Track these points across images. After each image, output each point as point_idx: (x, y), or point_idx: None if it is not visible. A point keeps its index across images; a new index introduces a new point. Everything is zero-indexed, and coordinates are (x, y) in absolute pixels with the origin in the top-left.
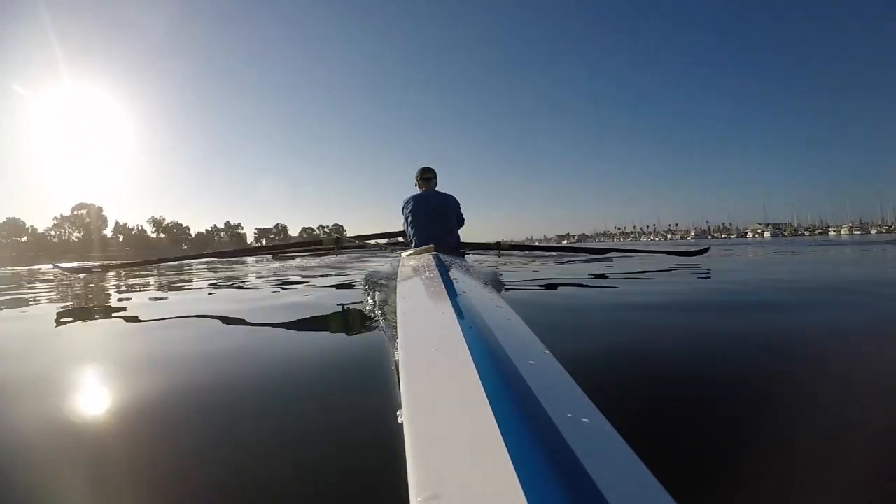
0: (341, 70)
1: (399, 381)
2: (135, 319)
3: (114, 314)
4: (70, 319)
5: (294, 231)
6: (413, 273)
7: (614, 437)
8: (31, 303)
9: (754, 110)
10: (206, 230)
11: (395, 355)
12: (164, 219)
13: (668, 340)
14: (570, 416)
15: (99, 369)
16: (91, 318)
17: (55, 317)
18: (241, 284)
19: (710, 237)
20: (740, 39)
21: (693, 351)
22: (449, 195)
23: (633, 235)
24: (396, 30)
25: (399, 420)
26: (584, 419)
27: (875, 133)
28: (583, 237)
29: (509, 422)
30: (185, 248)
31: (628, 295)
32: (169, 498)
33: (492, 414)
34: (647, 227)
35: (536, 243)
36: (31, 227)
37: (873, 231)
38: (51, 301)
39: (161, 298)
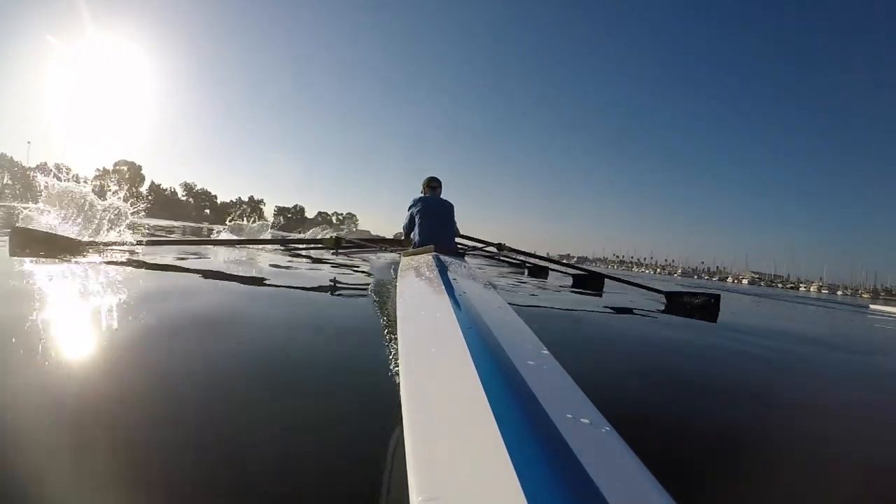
0: (356, 68)
1: (399, 382)
2: None
3: None
4: None
5: (311, 213)
6: (413, 273)
7: (614, 437)
8: None
9: (750, 164)
10: (231, 201)
11: (395, 355)
12: (195, 185)
13: (663, 349)
14: (569, 416)
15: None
16: None
17: None
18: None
19: (695, 277)
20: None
21: (690, 358)
22: (448, 201)
23: (626, 265)
24: (411, 35)
25: (399, 420)
26: (584, 419)
27: (862, 200)
28: (582, 259)
29: (509, 422)
30: (206, 212)
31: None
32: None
33: (492, 414)
34: (644, 258)
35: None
36: (76, 174)
37: (839, 293)
38: None
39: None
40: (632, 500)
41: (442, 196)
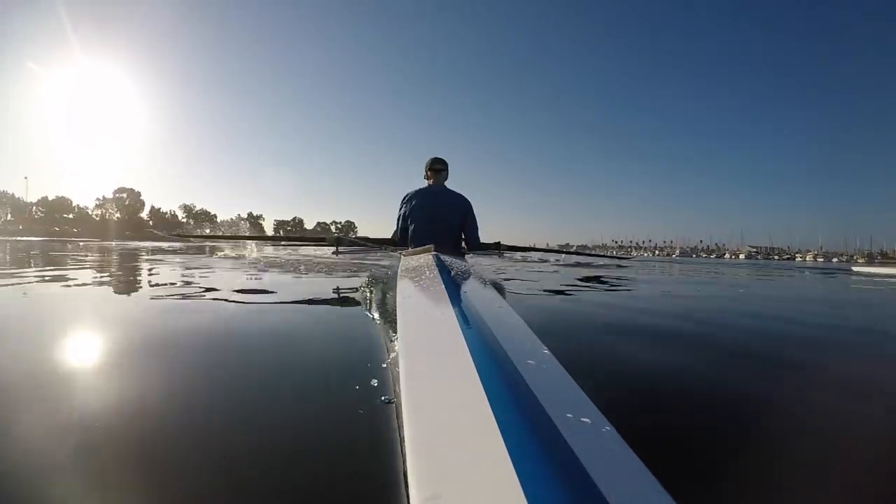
0: (353, 71)
1: (399, 382)
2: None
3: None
4: None
5: (309, 224)
6: (413, 273)
7: (614, 437)
8: None
9: (740, 139)
10: (231, 219)
11: (395, 355)
12: (194, 206)
13: (663, 341)
14: (570, 416)
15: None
16: None
17: None
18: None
19: (693, 256)
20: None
21: (691, 353)
22: (459, 195)
23: (625, 249)
24: (410, 34)
25: (398, 420)
26: (584, 419)
27: (852, 168)
28: (582, 247)
29: (509, 422)
30: (208, 232)
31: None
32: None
33: (492, 414)
34: (642, 242)
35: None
36: (77, 205)
37: (834, 260)
38: None
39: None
40: (632, 500)
41: (450, 185)
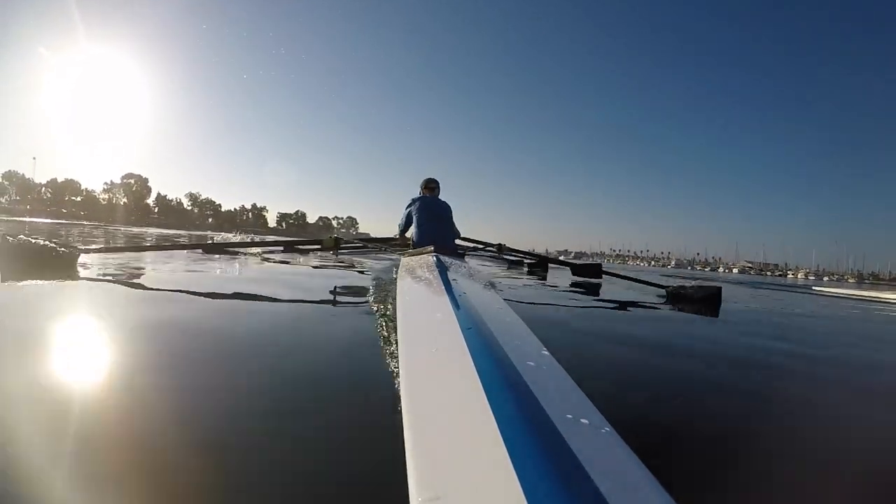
0: (356, 68)
1: (399, 382)
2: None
3: None
4: None
5: (312, 218)
6: (413, 273)
7: (614, 438)
8: None
9: (739, 152)
10: (235, 209)
11: (396, 355)
12: (199, 195)
13: (662, 344)
14: (569, 416)
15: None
16: None
17: None
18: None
19: (689, 269)
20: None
21: (687, 355)
22: (447, 203)
23: (622, 258)
24: (412, 32)
25: (400, 421)
26: (584, 419)
27: (848, 188)
28: (580, 254)
29: (509, 422)
30: (210, 221)
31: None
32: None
33: (492, 414)
34: (639, 251)
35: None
36: (86, 188)
37: (825, 278)
38: None
39: None
40: (632, 500)
41: (440, 197)
